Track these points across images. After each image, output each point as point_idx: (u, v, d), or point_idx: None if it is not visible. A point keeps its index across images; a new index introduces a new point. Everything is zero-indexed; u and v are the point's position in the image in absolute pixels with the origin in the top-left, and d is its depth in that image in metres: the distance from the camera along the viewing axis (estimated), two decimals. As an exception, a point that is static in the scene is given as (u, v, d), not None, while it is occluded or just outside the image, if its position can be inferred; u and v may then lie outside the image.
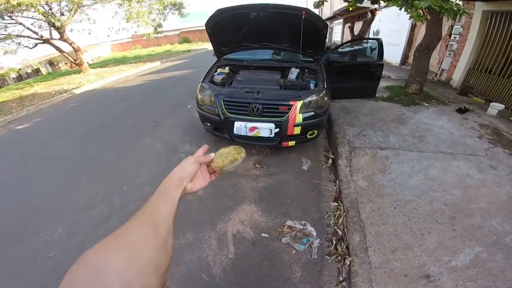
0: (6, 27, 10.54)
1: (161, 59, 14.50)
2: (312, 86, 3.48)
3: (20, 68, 20.60)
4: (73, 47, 12.04)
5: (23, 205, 2.96)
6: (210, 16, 3.24)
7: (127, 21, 11.47)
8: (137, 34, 15.13)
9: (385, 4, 4.03)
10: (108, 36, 13.70)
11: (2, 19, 9.88)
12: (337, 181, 2.91)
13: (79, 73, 12.51)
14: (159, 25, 13.70)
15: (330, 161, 3.37)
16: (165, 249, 0.46)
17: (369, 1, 4.63)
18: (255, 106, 2.99)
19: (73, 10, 10.91)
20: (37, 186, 3.31)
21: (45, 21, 10.60)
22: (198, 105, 3.45)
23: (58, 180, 3.37)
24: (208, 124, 3.42)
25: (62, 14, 10.95)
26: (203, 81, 3.55)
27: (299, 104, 2.99)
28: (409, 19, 3.61)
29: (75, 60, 12.55)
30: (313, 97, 3.08)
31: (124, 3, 11.04)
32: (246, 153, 0.78)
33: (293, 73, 3.64)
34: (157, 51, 19.83)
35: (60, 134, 4.94)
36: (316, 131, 3.25)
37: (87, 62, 17.60)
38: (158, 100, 6.38)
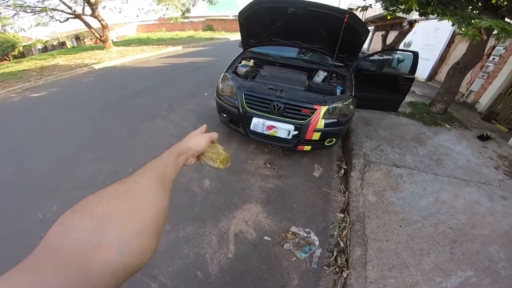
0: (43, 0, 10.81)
1: (183, 44, 14.53)
2: (338, 92, 3.37)
3: (47, 40, 21.17)
4: (101, 24, 12.22)
5: (21, 175, 2.85)
6: (246, 6, 3.15)
7: (158, 3, 11.53)
8: (164, 18, 15.20)
9: (436, 17, 3.78)
10: (137, 16, 13.82)
11: None
12: (347, 192, 2.86)
13: (102, 49, 12.65)
14: (188, 10, 13.70)
15: (343, 171, 3.29)
16: (165, 212, 0.44)
17: (417, 13, 4.35)
18: (277, 105, 2.90)
19: None
20: (40, 157, 3.19)
21: None
22: (217, 95, 3.38)
23: (63, 153, 3.27)
24: (225, 115, 3.36)
25: None
26: (226, 71, 3.47)
27: (323, 109, 2.89)
28: (463, 36, 3.39)
29: (101, 37, 12.73)
30: (339, 104, 2.97)
31: None
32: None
33: (320, 75, 3.53)
34: (181, 35, 19.88)
35: (73, 106, 4.90)
36: (334, 139, 3.14)
37: (112, 40, 17.86)
38: (176, 84, 6.36)
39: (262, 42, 3.81)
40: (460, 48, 7.99)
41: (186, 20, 15.42)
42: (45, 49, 18.52)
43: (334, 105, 2.94)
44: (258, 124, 2.98)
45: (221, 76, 3.42)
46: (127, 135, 3.77)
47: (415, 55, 3.74)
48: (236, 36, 20.43)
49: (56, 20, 11.98)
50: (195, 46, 14.37)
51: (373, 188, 2.86)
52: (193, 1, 13.60)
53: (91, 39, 19.63)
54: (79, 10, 11.98)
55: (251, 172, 3.09)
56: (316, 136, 2.97)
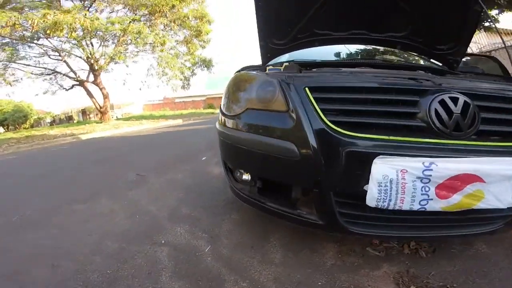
0: (51, 69, 10.44)
1: (184, 117, 13.60)
2: None
3: (56, 114, 21.08)
4: (102, 93, 11.91)
5: None
6: None
7: (158, 66, 11.03)
8: (168, 98, 14.96)
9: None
10: (140, 89, 13.51)
11: (37, 40, 9.56)
12: None
13: (101, 122, 11.64)
14: (187, 79, 13.26)
15: None
16: None
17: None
18: (462, 102, 0.80)
19: (117, 55, 10.58)
20: None
21: (85, 61, 10.58)
22: (223, 121, 1.31)
23: None
24: (247, 176, 1.23)
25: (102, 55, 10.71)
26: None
27: None
28: None
29: (100, 108, 11.86)
30: None
31: (157, 46, 10.59)
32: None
33: None
34: (183, 112, 19.49)
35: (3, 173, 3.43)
36: None
37: (116, 117, 17.35)
38: (163, 148, 4.42)
39: (296, 40, 1.80)
40: None
41: (187, 99, 15.03)
42: (53, 122, 18.15)
43: None
44: (404, 181, 0.74)
45: (232, 77, 1.42)
46: (24, 222, 1.63)
47: None
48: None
49: (62, 88, 11.97)
50: (195, 119, 13.26)
51: None
52: (192, 72, 13.29)
53: (96, 114, 19.21)
54: (83, 76, 11.76)
55: None
56: None
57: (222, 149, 1.36)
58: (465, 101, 0.81)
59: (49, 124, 17.83)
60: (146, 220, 1.61)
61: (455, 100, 0.81)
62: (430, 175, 0.72)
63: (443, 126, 0.80)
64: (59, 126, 12.62)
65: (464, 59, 2.57)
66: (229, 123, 1.24)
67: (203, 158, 3.33)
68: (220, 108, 1.39)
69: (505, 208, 0.78)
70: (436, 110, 0.81)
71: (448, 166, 0.73)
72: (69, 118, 19.50)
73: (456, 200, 0.75)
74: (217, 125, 1.38)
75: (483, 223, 0.91)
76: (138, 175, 2.64)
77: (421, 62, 2.14)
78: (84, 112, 20.49)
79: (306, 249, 1.21)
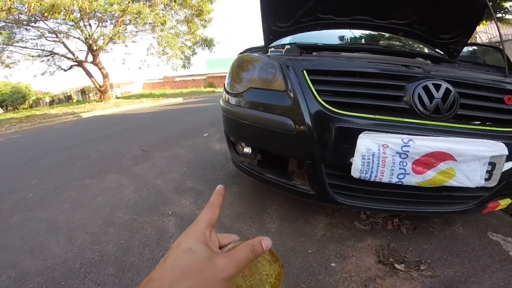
0: (48, 50, 10.23)
1: (185, 96, 13.45)
2: None
3: (55, 95, 20.82)
4: (102, 72, 11.57)
5: None
6: None
7: (158, 45, 10.75)
8: (168, 77, 14.66)
9: None
10: (140, 68, 13.25)
11: (33, 23, 9.22)
12: None
13: (101, 101, 11.53)
14: (188, 58, 12.95)
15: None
16: None
17: None
18: (443, 88, 0.88)
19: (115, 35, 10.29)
20: None
21: (84, 42, 10.36)
22: (227, 98, 1.40)
23: None
24: (247, 150, 1.33)
25: (100, 36, 10.41)
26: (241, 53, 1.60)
27: None
28: None
29: (100, 87, 11.69)
30: None
31: (157, 26, 10.29)
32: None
33: None
34: (183, 91, 19.23)
35: (10, 151, 3.47)
36: None
37: (116, 95, 17.21)
38: (166, 126, 4.46)
39: (299, 23, 1.79)
40: None
41: (188, 69, 14.66)
42: (52, 102, 18.18)
43: None
44: (385, 155, 0.83)
45: (235, 58, 1.46)
46: (37, 198, 1.72)
47: None
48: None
49: (61, 69, 11.60)
50: (196, 97, 13.15)
51: None
52: (192, 51, 12.95)
53: (96, 93, 19.03)
54: (81, 57, 11.45)
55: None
56: None
57: (226, 123, 1.45)
58: (447, 88, 0.88)
59: (48, 104, 17.68)
60: (153, 192, 1.72)
61: (437, 87, 0.89)
62: (408, 151, 0.81)
63: (424, 108, 0.88)
64: (59, 106, 12.37)
65: (471, 49, 2.60)
66: (233, 100, 1.33)
67: (205, 135, 3.43)
68: (224, 86, 1.47)
69: (474, 187, 0.87)
70: (419, 95, 0.89)
71: (424, 144, 0.81)
72: (68, 98, 19.34)
73: (430, 176, 0.84)
74: (221, 102, 1.48)
75: (456, 202, 1.01)
76: (142, 150, 2.74)
77: (422, 49, 2.14)
78: (83, 91, 20.24)
79: (301, 220, 1.33)
